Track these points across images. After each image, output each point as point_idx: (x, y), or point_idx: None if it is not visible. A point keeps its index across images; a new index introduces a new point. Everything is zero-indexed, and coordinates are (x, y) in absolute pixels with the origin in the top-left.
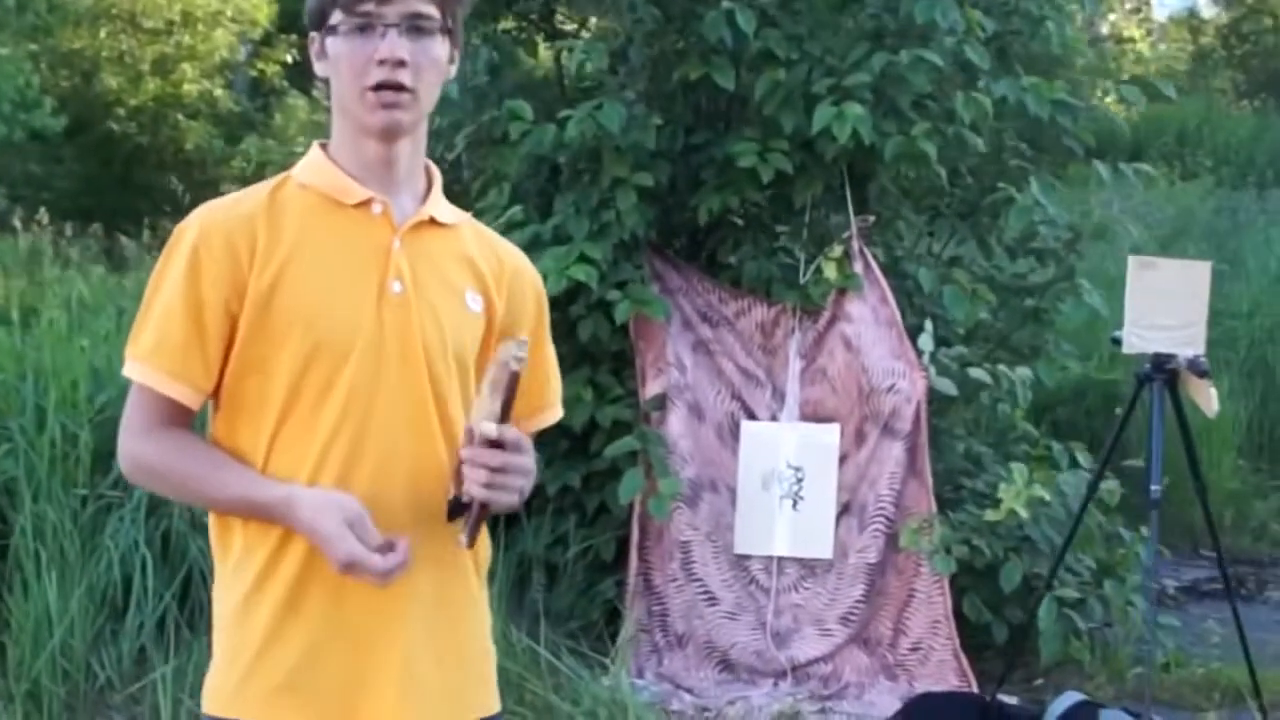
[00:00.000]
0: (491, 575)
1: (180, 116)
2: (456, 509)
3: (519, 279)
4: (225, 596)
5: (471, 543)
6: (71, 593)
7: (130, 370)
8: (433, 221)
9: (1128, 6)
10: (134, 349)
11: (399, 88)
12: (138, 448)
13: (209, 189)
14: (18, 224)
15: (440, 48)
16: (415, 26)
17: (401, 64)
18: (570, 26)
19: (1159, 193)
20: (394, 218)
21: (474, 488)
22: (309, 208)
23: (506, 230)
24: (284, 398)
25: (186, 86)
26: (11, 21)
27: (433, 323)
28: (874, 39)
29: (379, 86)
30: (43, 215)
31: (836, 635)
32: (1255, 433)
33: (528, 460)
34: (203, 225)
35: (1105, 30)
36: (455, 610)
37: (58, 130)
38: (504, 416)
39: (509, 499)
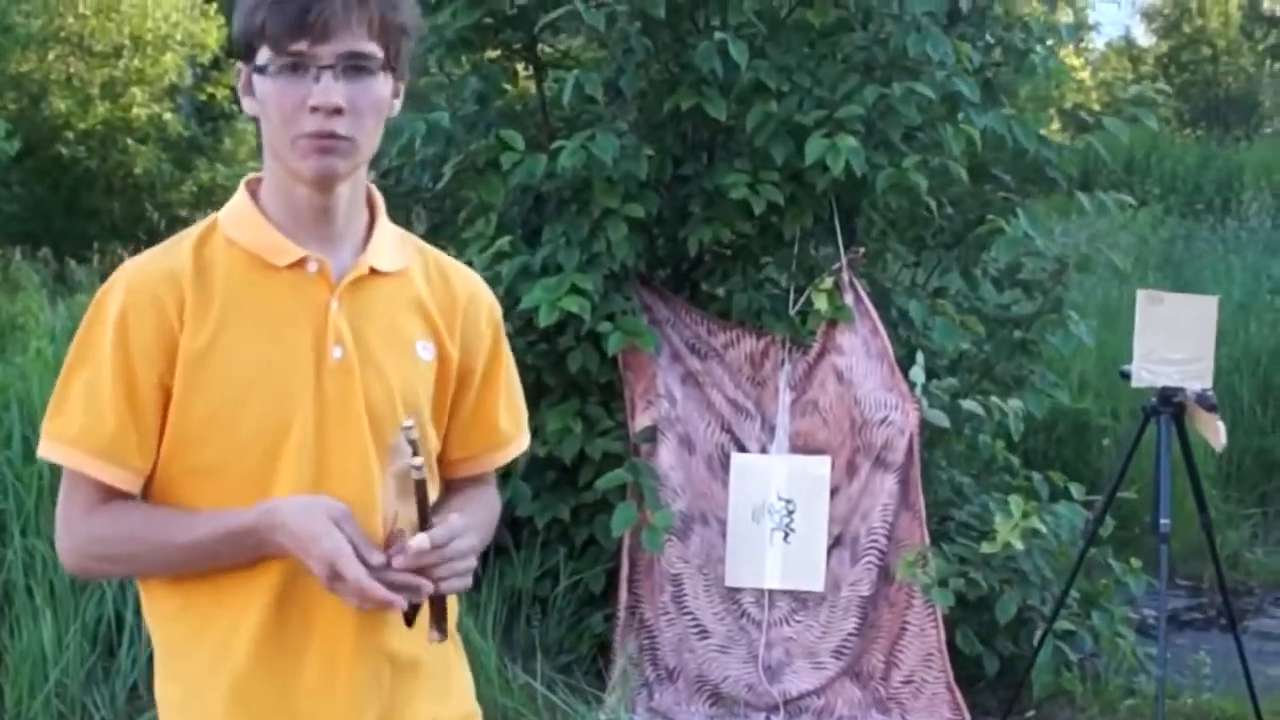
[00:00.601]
0: (483, 609)
1: (130, 140)
2: (412, 611)
3: (473, 307)
4: (169, 683)
5: (444, 634)
6: (66, 630)
7: (56, 454)
8: (374, 272)
9: (1075, 36)
10: (59, 428)
11: (333, 136)
12: (80, 533)
13: (163, 212)
14: None
15: (382, 87)
16: (354, 67)
17: (338, 111)
18: (554, 56)
19: (1115, 222)
20: (331, 275)
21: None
22: (237, 268)
23: (495, 260)
24: (224, 479)
25: (136, 110)
26: None
27: (380, 384)
28: (864, 71)
29: (312, 135)
30: None
31: (829, 668)
32: (1225, 463)
33: (468, 541)
34: (129, 287)
35: None
36: (420, 689)
37: (11, 154)
38: (425, 521)
39: (462, 584)
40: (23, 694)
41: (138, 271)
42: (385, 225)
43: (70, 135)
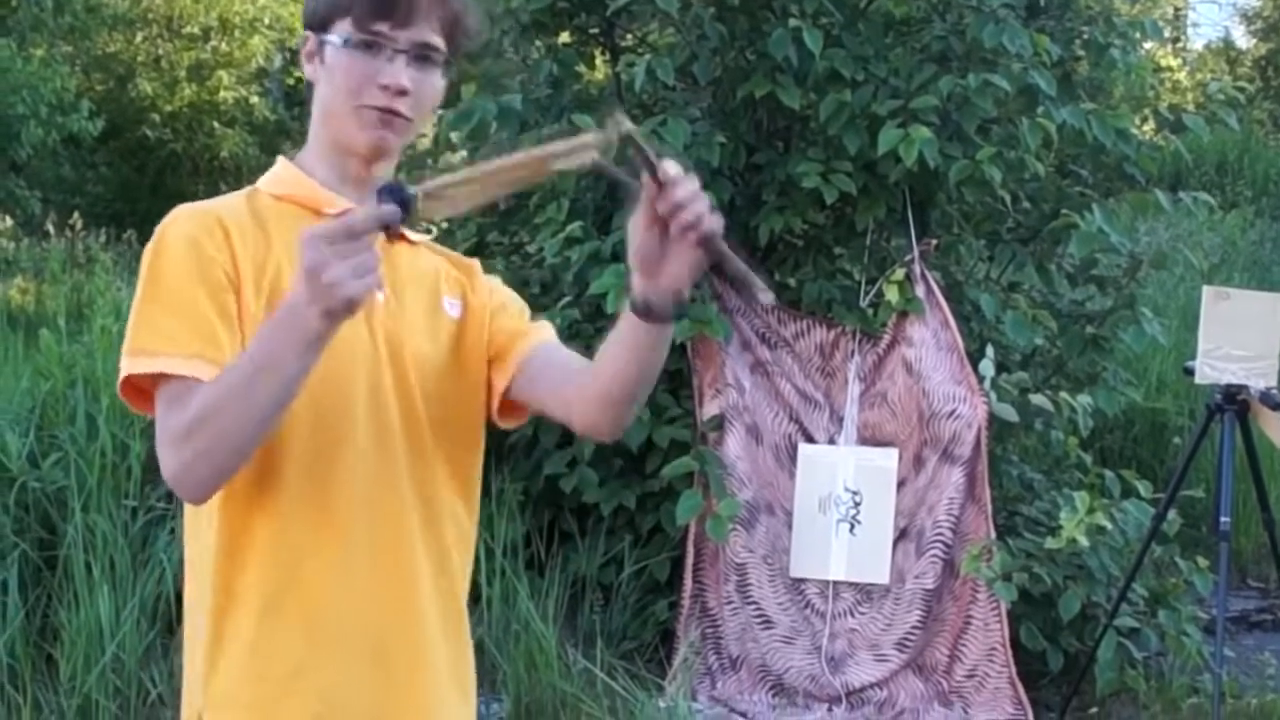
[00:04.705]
0: (546, 594)
1: (216, 123)
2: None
3: (485, 278)
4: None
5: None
6: (124, 606)
7: (145, 365)
8: (402, 236)
9: (1165, 35)
10: (146, 342)
11: (394, 113)
12: (177, 428)
13: None
14: (50, 228)
15: (440, 80)
16: (422, 56)
17: (403, 92)
18: (629, 42)
19: (1200, 222)
20: None
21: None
22: (289, 216)
23: (565, 246)
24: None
25: (223, 93)
26: (49, 23)
27: (415, 329)
28: (940, 62)
29: (377, 108)
30: (76, 220)
31: (892, 661)
32: None
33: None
34: (194, 217)
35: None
36: (463, 640)
37: (94, 134)
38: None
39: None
40: (77, 668)
41: (200, 208)
42: None
43: (156, 117)
